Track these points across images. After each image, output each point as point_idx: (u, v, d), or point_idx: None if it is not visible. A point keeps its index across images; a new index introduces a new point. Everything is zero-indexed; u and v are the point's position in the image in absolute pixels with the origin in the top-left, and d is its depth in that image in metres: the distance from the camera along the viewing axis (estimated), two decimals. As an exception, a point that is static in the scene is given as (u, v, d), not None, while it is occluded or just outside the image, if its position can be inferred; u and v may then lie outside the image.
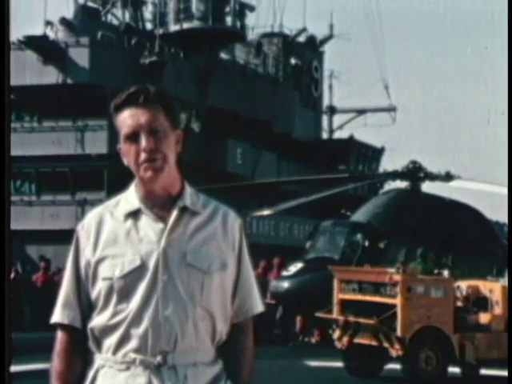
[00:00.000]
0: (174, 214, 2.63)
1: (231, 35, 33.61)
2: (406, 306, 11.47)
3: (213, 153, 31.05)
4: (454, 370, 12.05)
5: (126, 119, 2.59)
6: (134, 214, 2.64)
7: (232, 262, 2.67)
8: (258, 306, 2.77)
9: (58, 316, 2.67)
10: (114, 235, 2.63)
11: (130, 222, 2.64)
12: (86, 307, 2.65)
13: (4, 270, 3.49)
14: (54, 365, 2.66)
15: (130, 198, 2.67)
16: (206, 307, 2.60)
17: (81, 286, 2.66)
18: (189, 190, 2.69)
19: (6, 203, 3.37)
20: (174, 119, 2.64)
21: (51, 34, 29.91)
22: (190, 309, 2.58)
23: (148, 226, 2.62)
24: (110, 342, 2.59)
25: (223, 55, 34.55)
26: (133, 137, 2.58)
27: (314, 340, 16.96)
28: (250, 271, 2.76)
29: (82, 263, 2.65)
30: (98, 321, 2.61)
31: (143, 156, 2.56)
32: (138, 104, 2.58)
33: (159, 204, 2.64)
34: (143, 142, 2.56)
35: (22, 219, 27.08)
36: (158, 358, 2.55)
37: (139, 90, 2.60)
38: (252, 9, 34.75)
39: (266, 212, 23.17)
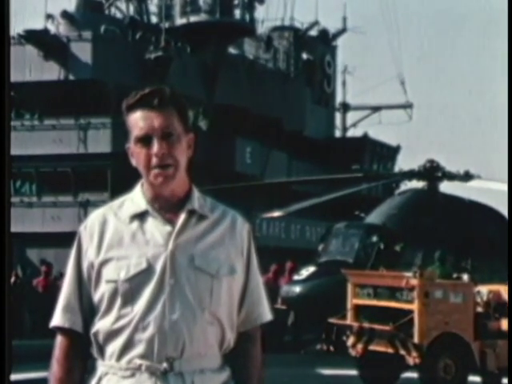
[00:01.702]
0: (182, 217, 2.64)
1: (240, 29, 33.62)
2: (423, 311, 11.44)
3: (221, 152, 31.06)
4: (475, 379, 12.01)
5: (139, 121, 2.61)
6: (140, 216, 2.66)
7: (240, 267, 2.69)
8: (267, 315, 2.79)
9: (58, 320, 2.67)
10: (119, 237, 2.64)
11: (135, 224, 2.65)
12: (88, 311, 2.66)
13: (4, 274, 3.49)
14: (53, 371, 2.67)
15: (137, 199, 2.69)
16: (215, 312, 2.62)
17: (83, 288, 2.66)
18: (196, 193, 2.71)
19: (5, 204, 3.37)
20: (187, 122, 2.66)
21: (52, 28, 30.04)
22: (199, 313, 2.59)
23: (155, 228, 2.63)
24: (114, 347, 2.60)
25: (231, 50, 34.56)
26: (145, 140, 2.60)
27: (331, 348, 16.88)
28: (259, 278, 2.78)
29: (85, 265, 2.66)
30: (100, 325, 2.62)
31: (155, 161, 2.59)
32: (152, 106, 2.60)
33: (167, 206, 2.66)
34: (155, 146, 2.58)
35: (22, 221, 27.15)
36: (165, 365, 2.56)
37: (154, 92, 2.61)
38: (261, 1, 34.76)
39: (276, 213, 23.14)
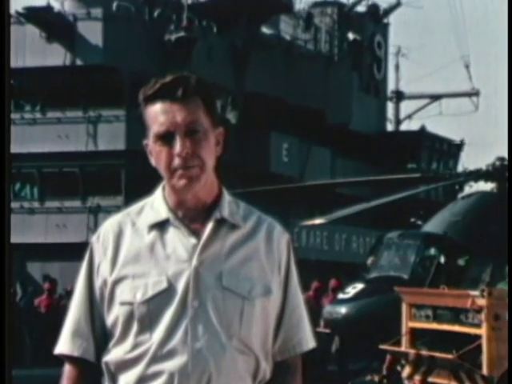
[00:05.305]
0: (209, 226, 2.63)
1: (275, 5, 33.66)
2: (493, 337, 11.37)
3: (252, 149, 31.14)
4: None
5: (159, 115, 2.59)
6: (161, 226, 2.65)
7: (277, 286, 2.68)
8: (309, 342, 2.77)
9: (66, 346, 2.68)
10: (136, 250, 2.64)
11: (155, 235, 2.64)
12: (101, 336, 2.66)
13: (4, 291, 3.50)
14: None
15: (157, 205, 2.68)
16: (245, 339, 2.61)
17: (94, 310, 2.67)
18: (227, 198, 2.70)
19: (5, 210, 3.39)
20: (215, 115, 2.65)
21: (56, 5, 30.27)
22: (226, 341, 2.58)
23: (177, 240, 2.63)
24: (128, 379, 2.60)
25: (265, 30, 34.63)
26: (166, 137, 2.58)
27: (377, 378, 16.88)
28: (299, 298, 2.77)
29: (97, 283, 2.66)
30: (114, 354, 2.62)
31: (177, 162, 2.57)
32: (174, 98, 2.59)
33: (192, 214, 2.65)
34: (178, 145, 2.57)
35: (23, 230, 27.38)
36: (187, 401, 2.56)
37: (177, 81, 2.60)
38: (300, -28, 34.82)
39: (317, 221, 23.10)
